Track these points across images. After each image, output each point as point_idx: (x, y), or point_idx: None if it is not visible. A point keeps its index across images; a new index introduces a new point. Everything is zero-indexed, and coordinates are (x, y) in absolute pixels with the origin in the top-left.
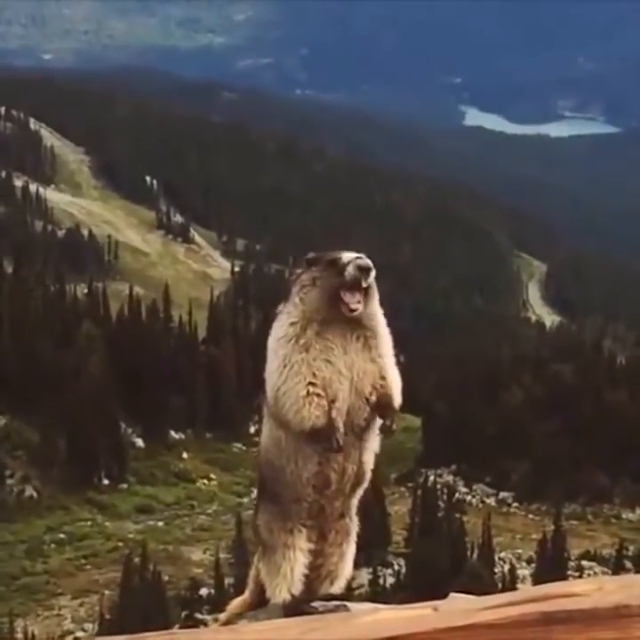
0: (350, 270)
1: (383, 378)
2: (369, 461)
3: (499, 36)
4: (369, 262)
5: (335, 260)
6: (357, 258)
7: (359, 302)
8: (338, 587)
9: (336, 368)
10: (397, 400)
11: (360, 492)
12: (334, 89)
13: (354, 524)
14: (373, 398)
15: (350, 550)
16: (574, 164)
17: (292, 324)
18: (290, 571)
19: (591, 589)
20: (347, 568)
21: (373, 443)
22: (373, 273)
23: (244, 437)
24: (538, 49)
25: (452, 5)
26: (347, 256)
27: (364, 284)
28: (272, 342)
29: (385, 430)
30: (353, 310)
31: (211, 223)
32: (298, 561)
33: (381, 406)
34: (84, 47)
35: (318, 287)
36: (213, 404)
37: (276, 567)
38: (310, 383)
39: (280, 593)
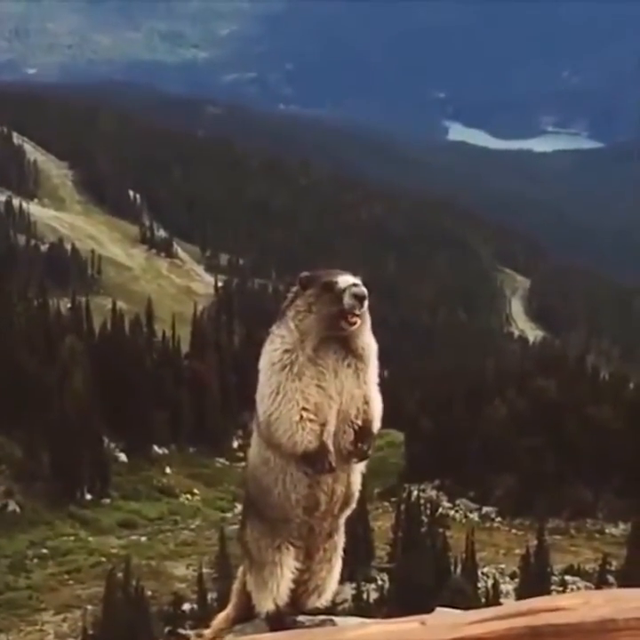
0: (347, 300)
1: (367, 404)
2: (357, 482)
3: (482, 51)
4: (364, 290)
5: (331, 285)
6: (354, 285)
7: (356, 320)
8: (325, 599)
9: (327, 393)
10: (376, 426)
11: (348, 512)
12: (319, 104)
13: (341, 540)
14: (358, 422)
15: (337, 565)
16: (558, 180)
17: (287, 351)
18: (276, 586)
19: (578, 603)
20: (333, 582)
21: (361, 464)
22: (367, 302)
23: (228, 452)
24: (521, 64)
25: (436, 21)
26: (343, 281)
27: (358, 312)
28: (265, 366)
29: (360, 454)
30: (353, 325)
31: (194, 238)
32: (285, 577)
33: (363, 431)
34: (68, 61)
35: (314, 313)
36: (197, 418)
37: (263, 582)
38: (303, 408)
39: (265, 604)
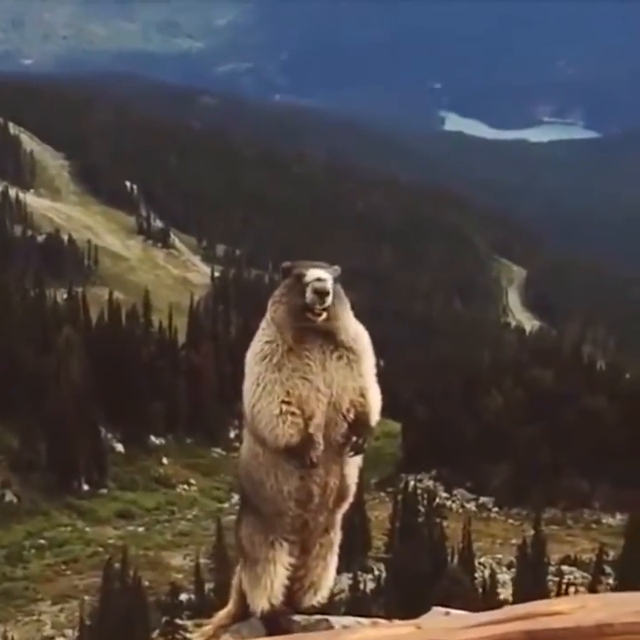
0: (308, 294)
1: (363, 396)
2: (352, 475)
3: (478, 42)
4: (326, 286)
5: (300, 277)
6: (317, 280)
7: (322, 312)
8: (321, 597)
9: (313, 385)
10: (374, 419)
11: (345, 507)
12: (314, 94)
13: (337, 536)
14: (351, 415)
15: (333, 561)
16: (554, 170)
17: (268, 342)
18: (270, 583)
19: (574, 608)
20: (330, 579)
21: (357, 457)
22: (330, 297)
23: (225, 442)
24: (517, 54)
25: (432, 11)
26: (310, 274)
27: (319, 308)
28: (249, 358)
29: (356, 447)
30: (318, 316)
31: (190, 228)
32: (278, 574)
33: (358, 424)
34: (63, 52)
35: (284, 304)
36: (193, 409)
37: (256, 579)
38: (284, 402)
39: (260, 603)
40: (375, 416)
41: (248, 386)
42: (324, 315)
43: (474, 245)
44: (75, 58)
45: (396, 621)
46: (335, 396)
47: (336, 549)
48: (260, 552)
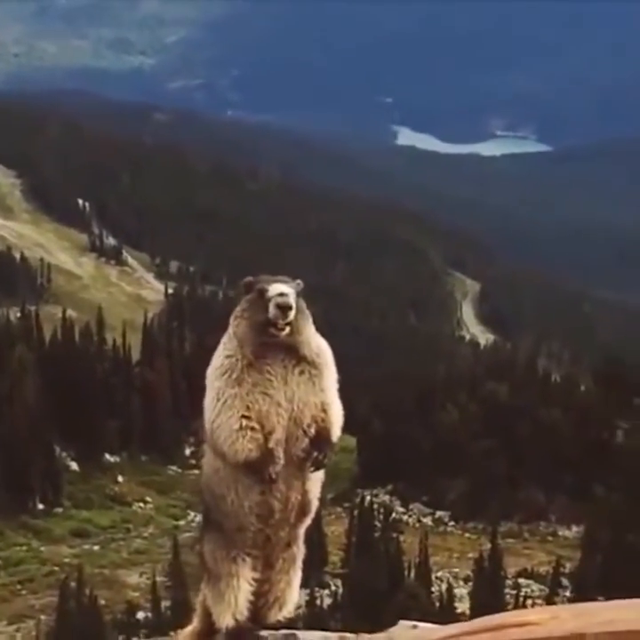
0: (271, 309)
1: (324, 411)
2: (314, 490)
3: (429, 56)
4: (288, 301)
5: (262, 292)
6: (279, 295)
7: (285, 327)
8: (286, 611)
9: (274, 400)
10: (336, 434)
11: (307, 522)
12: (266, 109)
13: (300, 551)
14: (312, 430)
15: (297, 576)
16: (507, 183)
17: (228, 356)
18: (234, 598)
19: (546, 618)
20: (294, 593)
21: (319, 472)
22: (293, 312)
23: (180, 460)
24: (469, 68)
25: (382, 26)
26: (273, 289)
27: (282, 323)
28: (209, 373)
29: (317, 462)
30: (281, 331)
31: (143, 245)
32: (242, 589)
33: (319, 439)
34: (14, 70)
35: (246, 320)
36: (148, 426)
37: (220, 595)
38: (244, 416)
39: (224, 619)
40: (337, 431)
41: (208, 401)
42: (287, 329)
43: (428, 259)
44: (26, 75)
45: (365, 635)
46: (296, 410)
47: (299, 564)
48: (223, 567)
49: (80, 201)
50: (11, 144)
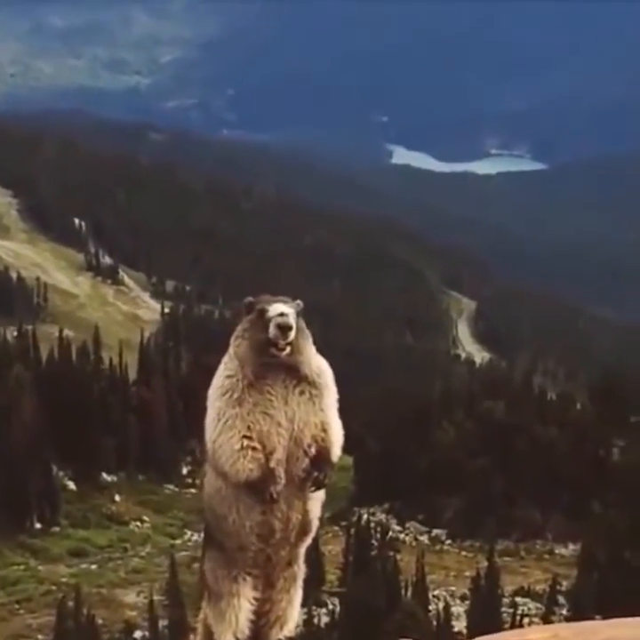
0: (271, 329)
1: (325, 431)
2: (314, 510)
3: (424, 75)
4: (289, 321)
5: (263, 312)
6: (280, 315)
7: (285, 347)
8: (288, 630)
9: (274, 420)
10: (336, 454)
11: (308, 541)
12: (262, 128)
13: (301, 570)
14: (312, 450)
15: (298, 595)
16: (502, 201)
17: (229, 376)
18: (234, 618)
19: (546, 637)
20: (295, 612)
21: (319, 492)
22: (293, 332)
23: (177, 479)
24: (463, 86)
25: (377, 45)
26: (273, 309)
27: (282, 343)
28: (210, 393)
29: (317, 482)
30: (281, 351)
31: (140, 264)
32: (243, 608)
33: (319, 459)
34: (10, 90)
35: (247, 340)
36: (145, 445)
37: (221, 614)
38: (245, 437)
39: (225, 638)
40: (337, 451)
41: (209, 420)
42: (288, 349)
43: (423, 278)
44: (22, 95)
45: None
46: (297, 430)
47: (300, 583)
48: (224, 586)
49: (76, 220)
50: (7, 163)
